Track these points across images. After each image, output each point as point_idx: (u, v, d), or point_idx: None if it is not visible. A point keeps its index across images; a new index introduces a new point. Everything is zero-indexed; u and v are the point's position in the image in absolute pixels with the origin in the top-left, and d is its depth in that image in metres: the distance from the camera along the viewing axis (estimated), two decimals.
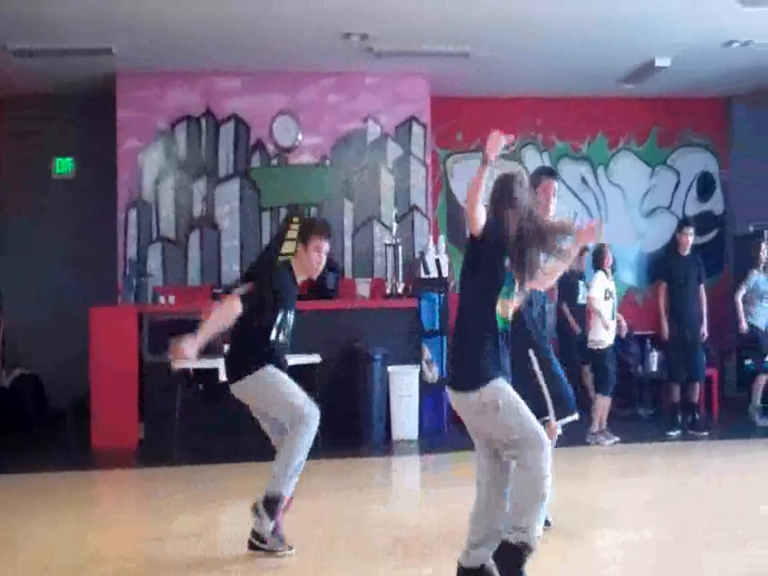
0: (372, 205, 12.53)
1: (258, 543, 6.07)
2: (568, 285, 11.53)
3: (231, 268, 12.15)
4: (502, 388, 4.96)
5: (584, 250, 12.55)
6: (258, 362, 6.13)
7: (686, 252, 11.23)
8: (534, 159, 13.59)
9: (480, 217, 4.92)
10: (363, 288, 11.80)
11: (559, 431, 6.48)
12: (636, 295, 13.84)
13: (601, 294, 10.44)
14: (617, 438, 10.40)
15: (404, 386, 10.76)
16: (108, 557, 6.33)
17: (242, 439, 9.24)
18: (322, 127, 12.44)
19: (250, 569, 6.00)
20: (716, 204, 14.34)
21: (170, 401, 9.95)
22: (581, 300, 11.90)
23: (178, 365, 6.21)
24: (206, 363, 9.78)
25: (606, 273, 10.60)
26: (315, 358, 10.23)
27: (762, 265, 11.81)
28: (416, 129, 12.63)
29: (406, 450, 10.56)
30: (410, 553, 6.19)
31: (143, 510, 8.35)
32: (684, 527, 6.94)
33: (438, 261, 11.55)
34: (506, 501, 5.03)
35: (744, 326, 11.62)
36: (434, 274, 11.53)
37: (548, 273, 6.04)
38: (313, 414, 6.06)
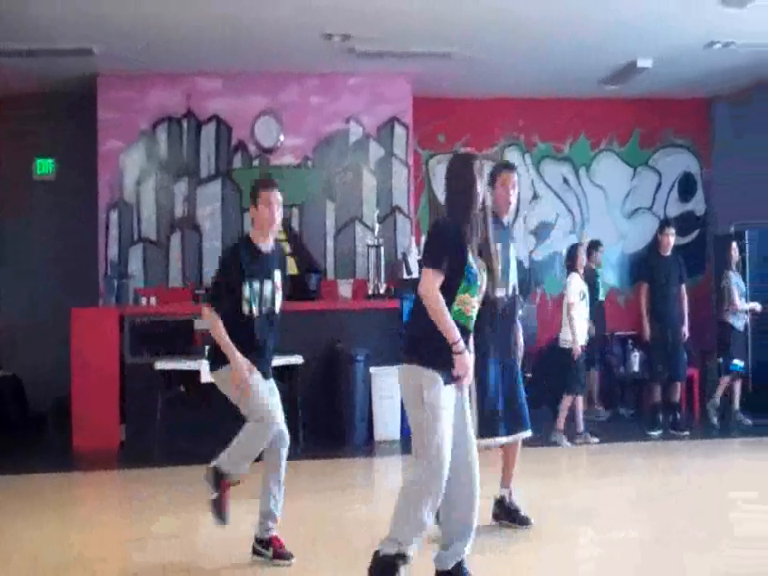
0: (354, 206, 12.52)
1: (261, 549, 6.04)
2: (588, 283, 11.55)
3: (213, 269, 12.08)
4: (437, 387, 4.90)
5: (599, 244, 12.62)
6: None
7: (668, 252, 11.25)
8: (516, 160, 13.59)
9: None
10: (345, 289, 11.80)
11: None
12: (618, 296, 13.85)
13: (577, 297, 10.45)
14: (596, 439, 10.45)
15: (386, 387, 10.73)
16: (92, 558, 6.33)
17: (223, 441, 9.15)
18: (304, 128, 12.42)
19: (232, 570, 5.99)
20: (698, 204, 14.38)
21: (151, 402, 9.94)
22: (601, 297, 12.09)
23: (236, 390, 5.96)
24: (187, 365, 9.80)
25: (579, 273, 10.60)
26: (297, 359, 10.21)
27: (734, 265, 11.84)
28: (398, 130, 12.63)
29: (388, 450, 10.55)
30: None
31: (125, 511, 8.33)
32: (665, 526, 6.96)
33: (420, 262, 11.53)
34: (469, 499, 5.02)
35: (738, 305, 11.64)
36: (416, 275, 11.49)
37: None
38: (275, 430, 5.93)
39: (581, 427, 10.48)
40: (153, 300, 11.34)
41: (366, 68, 12.07)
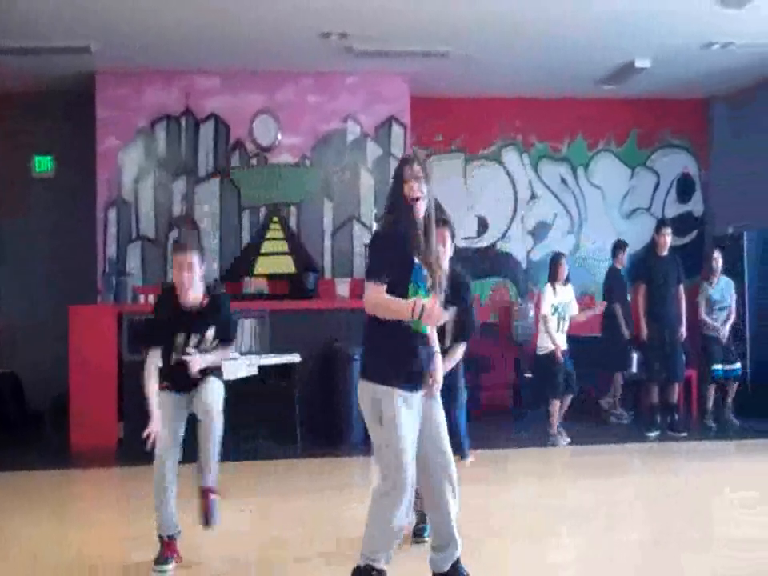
0: (352, 204, 12.53)
1: None
2: (620, 284, 11.46)
3: (210, 267, 12.09)
4: (393, 401, 4.79)
5: (625, 245, 12.51)
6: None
7: (665, 253, 11.24)
8: (514, 159, 13.63)
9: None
10: (343, 288, 11.78)
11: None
12: None
13: (549, 310, 10.42)
14: (568, 440, 10.49)
15: None
16: (90, 555, 6.34)
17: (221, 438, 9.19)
18: (302, 127, 12.43)
19: (230, 566, 6.01)
20: (696, 205, 14.40)
21: None
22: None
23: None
24: None
25: (554, 287, 10.53)
26: (295, 358, 10.20)
27: (717, 273, 11.72)
28: (396, 129, 12.63)
29: None
30: None
31: (123, 509, 8.31)
32: (663, 527, 6.96)
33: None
34: (447, 506, 5.01)
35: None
36: None
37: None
38: (162, 456, 6.32)
39: (553, 429, 10.51)
40: (151, 298, 11.30)
41: (364, 67, 12.07)
